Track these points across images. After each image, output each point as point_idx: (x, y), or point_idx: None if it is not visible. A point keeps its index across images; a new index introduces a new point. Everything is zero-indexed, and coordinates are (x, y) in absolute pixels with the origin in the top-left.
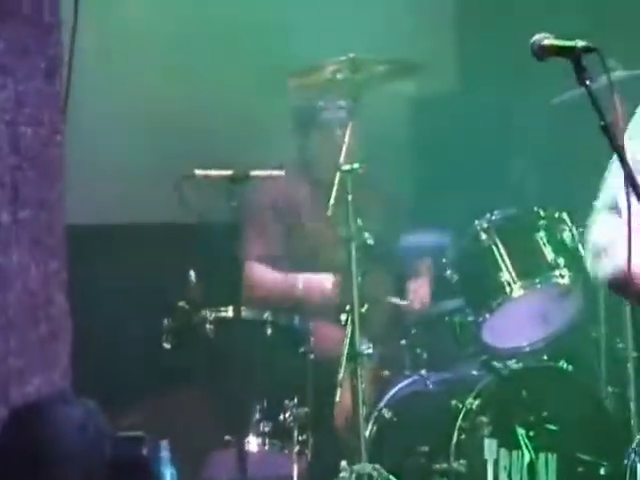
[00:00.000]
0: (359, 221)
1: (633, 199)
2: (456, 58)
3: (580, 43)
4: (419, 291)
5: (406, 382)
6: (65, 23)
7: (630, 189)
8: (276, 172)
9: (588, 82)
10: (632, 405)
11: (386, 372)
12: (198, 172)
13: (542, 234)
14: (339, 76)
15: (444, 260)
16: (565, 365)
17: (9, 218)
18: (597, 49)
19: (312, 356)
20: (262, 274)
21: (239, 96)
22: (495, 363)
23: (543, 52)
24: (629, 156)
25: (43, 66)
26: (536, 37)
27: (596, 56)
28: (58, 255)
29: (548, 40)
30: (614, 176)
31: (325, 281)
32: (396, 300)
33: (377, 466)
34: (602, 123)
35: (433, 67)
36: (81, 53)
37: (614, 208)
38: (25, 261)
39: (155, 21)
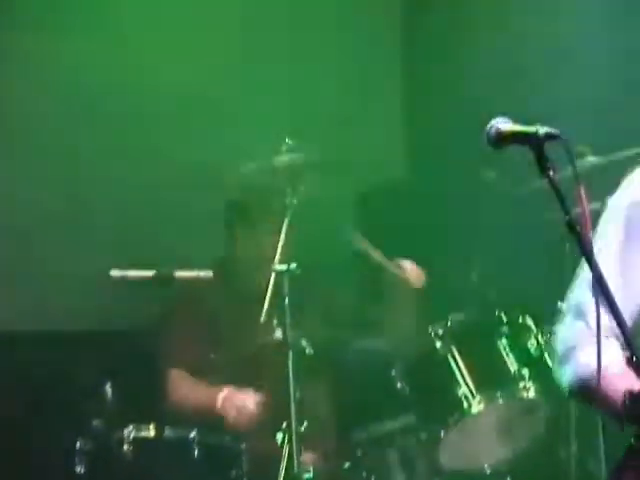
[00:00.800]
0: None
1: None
2: (406, 148)
3: (542, 129)
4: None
5: None
6: None
7: (599, 294)
8: (203, 273)
9: (551, 173)
10: None
11: None
12: (115, 273)
13: (504, 341)
14: (277, 164)
15: (393, 371)
16: None
17: None
18: (560, 136)
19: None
20: (181, 381)
21: (165, 189)
22: None
23: (501, 139)
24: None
25: None
26: (493, 122)
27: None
28: None
29: (506, 125)
30: (582, 278)
31: (247, 399)
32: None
33: None
34: (567, 218)
35: (381, 157)
36: None
37: (580, 314)
38: None
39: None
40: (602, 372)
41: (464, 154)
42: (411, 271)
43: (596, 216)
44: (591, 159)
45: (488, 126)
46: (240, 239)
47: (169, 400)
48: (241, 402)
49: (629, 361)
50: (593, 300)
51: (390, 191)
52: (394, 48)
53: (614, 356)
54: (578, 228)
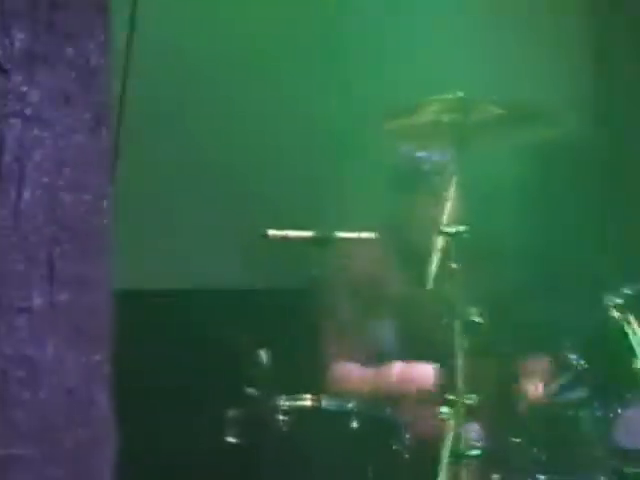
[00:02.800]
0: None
1: None
2: (590, 103)
3: None
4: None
5: None
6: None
7: None
8: (366, 234)
9: None
10: None
11: (496, 476)
12: (272, 232)
13: None
14: (444, 119)
15: (567, 342)
16: None
17: (43, 301)
18: None
19: (407, 455)
20: (348, 373)
21: (320, 148)
22: (628, 469)
23: None
24: None
25: (88, 117)
26: None
27: None
28: (102, 345)
29: None
30: None
31: (424, 371)
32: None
33: None
34: None
35: (562, 113)
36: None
37: None
38: (62, 353)
39: (221, 64)
40: None
41: None
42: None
43: None
44: None
45: None
46: (419, 200)
47: (334, 385)
48: (418, 373)
49: None
50: None
51: (574, 147)
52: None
53: None
54: None
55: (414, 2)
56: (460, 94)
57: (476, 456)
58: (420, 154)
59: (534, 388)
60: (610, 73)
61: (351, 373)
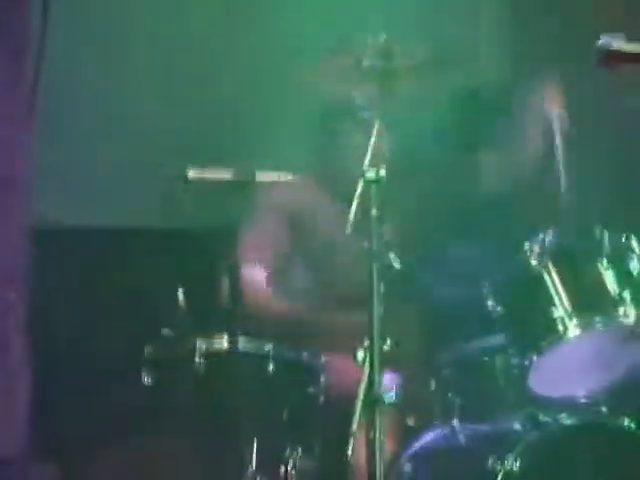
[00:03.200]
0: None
1: None
2: (509, 48)
3: None
4: None
5: (434, 434)
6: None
7: None
8: (285, 176)
9: None
10: None
11: (410, 421)
12: (192, 173)
13: (605, 262)
14: (366, 63)
15: (485, 289)
16: (629, 422)
17: None
18: None
19: (322, 399)
20: (256, 278)
21: (245, 86)
22: (543, 416)
23: (611, 59)
24: None
25: (8, 48)
26: (604, 39)
27: None
28: (16, 283)
29: (618, 44)
30: None
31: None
32: None
33: None
34: None
35: (482, 58)
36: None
37: None
38: None
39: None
40: None
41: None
42: None
43: None
44: None
45: (598, 44)
46: (337, 144)
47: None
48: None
49: None
50: None
51: (489, 91)
52: None
53: None
54: None
55: None
56: (382, 37)
57: (390, 401)
58: (344, 96)
59: None
60: (527, 25)
61: (270, 304)
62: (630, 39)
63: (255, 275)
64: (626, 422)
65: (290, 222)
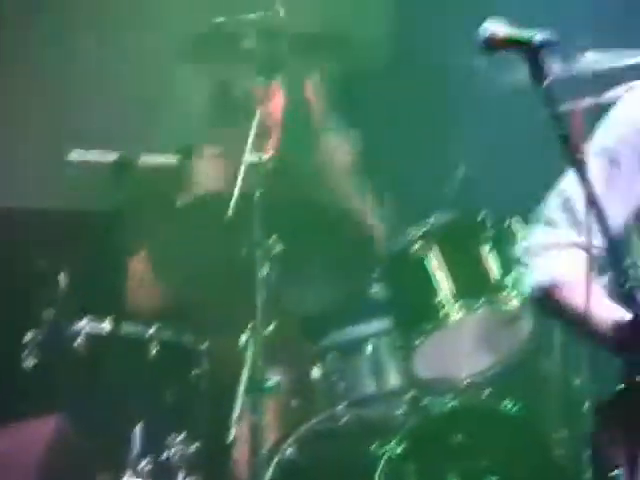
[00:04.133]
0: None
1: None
2: (391, 30)
3: (538, 36)
4: None
5: (317, 419)
6: None
7: (591, 209)
8: (171, 159)
9: (545, 83)
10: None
11: (294, 404)
12: (74, 156)
13: (488, 247)
14: (247, 45)
15: (370, 273)
16: (510, 405)
17: None
18: (558, 43)
19: (205, 382)
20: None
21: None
22: (426, 400)
23: (492, 45)
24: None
25: None
26: (486, 25)
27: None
28: None
29: (500, 29)
30: (558, 192)
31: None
32: None
33: None
34: (561, 132)
35: (365, 39)
36: None
37: (549, 225)
38: None
39: None
40: (560, 279)
41: (456, 38)
42: None
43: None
44: (592, 55)
45: (481, 29)
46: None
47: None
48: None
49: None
50: (563, 216)
51: (376, 75)
52: None
53: (574, 264)
54: (572, 145)
55: None
56: (260, 14)
57: (274, 385)
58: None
59: None
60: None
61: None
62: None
63: (139, 261)
64: (507, 405)
65: (174, 207)
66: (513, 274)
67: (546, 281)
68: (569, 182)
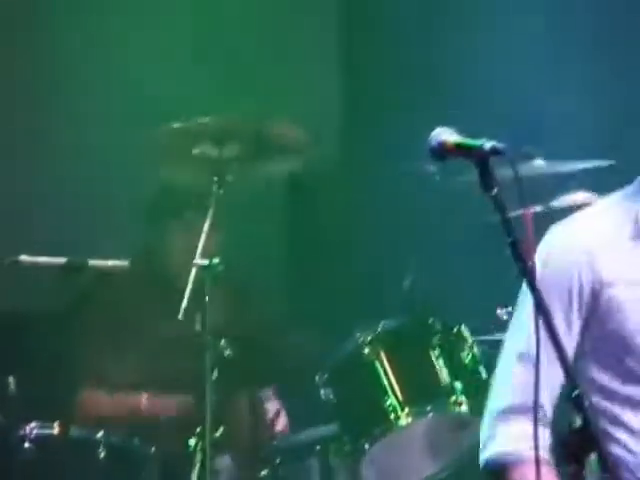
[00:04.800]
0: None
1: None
2: (342, 126)
3: (488, 144)
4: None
5: None
6: None
7: (540, 320)
8: (119, 263)
9: (494, 191)
10: None
11: None
12: (24, 258)
13: (437, 352)
14: (195, 151)
15: (318, 377)
16: None
17: None
18: (506, 152)
19: None
20: (97, 400)
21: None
22: None
23: (443, 151)
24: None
25: None
26: (435, 132)
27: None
28: None
29: (449, 137)
30: (523, 313)
31: (168, 402)
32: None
33: None
34: (510, 240)
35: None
36: None
37: (523, 355)
38: None
39: None
40: (523, 459)
41: (403, 139)
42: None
43: (538, 218)
44: (540, 162)
45: (431, 136)
46: (169, 229)
47: (84, 417)
48: (164, 405)
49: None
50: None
51: (323, 176)
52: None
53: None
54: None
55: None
56: (205, 120)
57: None
58: (176, 184)
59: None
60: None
61: (100, 401)
62: None
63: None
64: None
65: (123, 311)
66: (462, 379)
67: (499, 460)
68: (518, 335)
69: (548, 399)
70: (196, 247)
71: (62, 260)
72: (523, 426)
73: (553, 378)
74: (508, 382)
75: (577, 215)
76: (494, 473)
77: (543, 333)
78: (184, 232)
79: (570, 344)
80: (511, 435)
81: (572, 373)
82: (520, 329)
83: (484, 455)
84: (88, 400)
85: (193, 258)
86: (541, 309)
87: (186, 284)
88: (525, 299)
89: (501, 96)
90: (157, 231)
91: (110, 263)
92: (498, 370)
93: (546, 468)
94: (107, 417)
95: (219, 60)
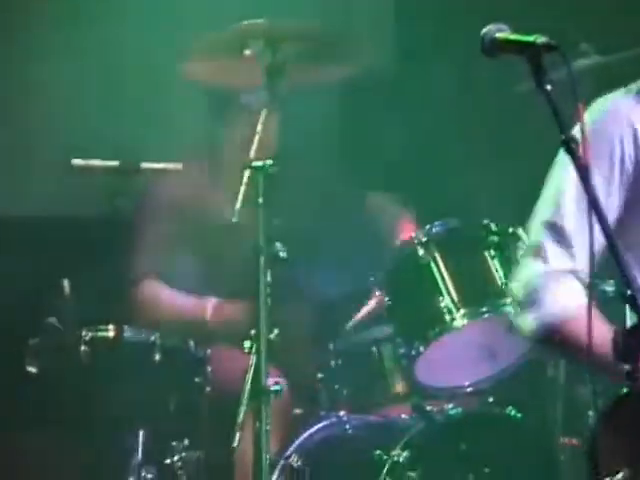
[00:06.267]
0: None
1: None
2: (396, 34)
3: (540, 39)
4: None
5: (321, 424)
6: None
7: (592, 217)
8: (173, 165)
9: (548, 87)
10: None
11: (297, 411)
12: (76, 162)
13: (492, 253)
14: (248, 52)
15: (372, 279)
16: (514, 411)
17: None
18: (559, 47)
19: (209, 389)
20: (156, 294)
21: (128, 73)
22: (429, 406)
23: (495, 48)
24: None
25: None
26: (488, 28)
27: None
28: None
29: (502, 34)
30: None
31: (237, 309)
32: None
33: None
34: (563, 137)
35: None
36: None
37: (538, 254)
38: None
39: None
40: (574, 314)
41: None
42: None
43: None
44: (594, 58)
45: (482, 32)
46: (234, 130)
47: (143, 314)
48: (231, 312)
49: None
50: (552, 243)
51: (378, 83)
52: None
53: (573, 296)
54: (575, 149)
55: None
56: (261, 21)
57: (277, 391)
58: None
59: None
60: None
61: (159, 297)
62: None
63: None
64: (511, 412)
65: (178, 212)
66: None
67: (548, 322)
68: (549, 207)
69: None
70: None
71: (115, 163)
72: (567, 285)
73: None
74: (539, 252)
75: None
76: (544, 339)
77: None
78: (244, 126)
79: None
80: (557, 296)
81: (625, 269)
82: (551, 201)
83: (528, 319)
84: (150, 300)
85: (248, 157)
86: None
87: (240, 184)
88: (559, 172)
89: None
90: (216, 126)
91: (163, 165)
92: (528, 241)
93: (599, 320)
94: (166, 316)
95: None
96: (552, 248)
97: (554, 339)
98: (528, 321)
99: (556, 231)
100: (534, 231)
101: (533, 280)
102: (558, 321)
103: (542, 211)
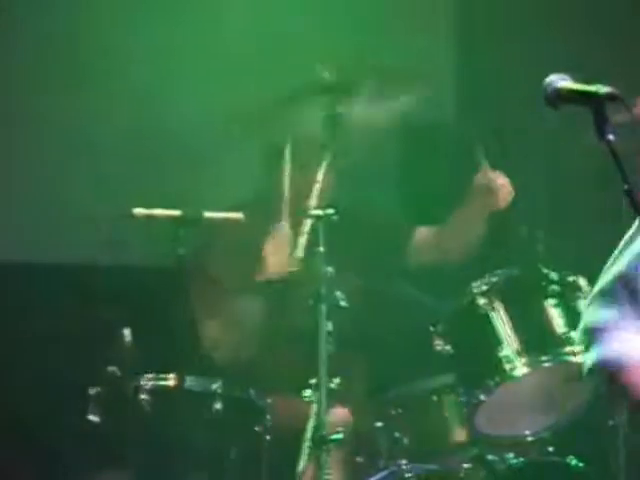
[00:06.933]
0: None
1: None
2: (455, 81)
3: (603, 89)
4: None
5: (381, 474)
6: None
7: None
8: (234, 214)
9: (611, 137)
10: None
11: (358, 460)
12: (138, 211)
13: (552, 301)
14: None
15: (433, 328)
16: (575, 460)
17: None
18: (622, 97)
19: (269, 438)
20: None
21: (192, 124)
22: (490, 456)
23: (557, 98)
24: None
25: None
26: (550, 79)
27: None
28: None
29: (564, 83)
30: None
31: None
32: None
33: None
34: (626, 187)
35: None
36: None
37: (609, 302)
38: None
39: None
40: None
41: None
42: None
43: None
44: None
45: (545, 83)
46: (290, 179)
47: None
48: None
49: None
50: (624, 294)
51: (436, 129)
52: None
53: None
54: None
55: None
56: (327, 75)
57: (338, 440)
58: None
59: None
60: (472, 55)
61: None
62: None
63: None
64: (572, 461)
65: (238, 263)
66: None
67: (612, 363)
68: (626, 263)
69: None
70: (310, 197)
71: (177, 212)
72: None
73: None
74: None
75: None
76: (605, 379)
77: None
78: (301, 177)
79: None
80: (622, 344)
81: None
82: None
83: (594, 363)
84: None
85: (307, 207)
86: None
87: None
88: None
89: None
90: (273, 177)
91: (225, 215)
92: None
93: None
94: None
95: None
96: (624, 299)
97: (615, 381)
98: (591, 361)
99: (630, 285)
100: (609, 278)
101: (600, 321)
102: (621, 365)
103: (620, 265)
